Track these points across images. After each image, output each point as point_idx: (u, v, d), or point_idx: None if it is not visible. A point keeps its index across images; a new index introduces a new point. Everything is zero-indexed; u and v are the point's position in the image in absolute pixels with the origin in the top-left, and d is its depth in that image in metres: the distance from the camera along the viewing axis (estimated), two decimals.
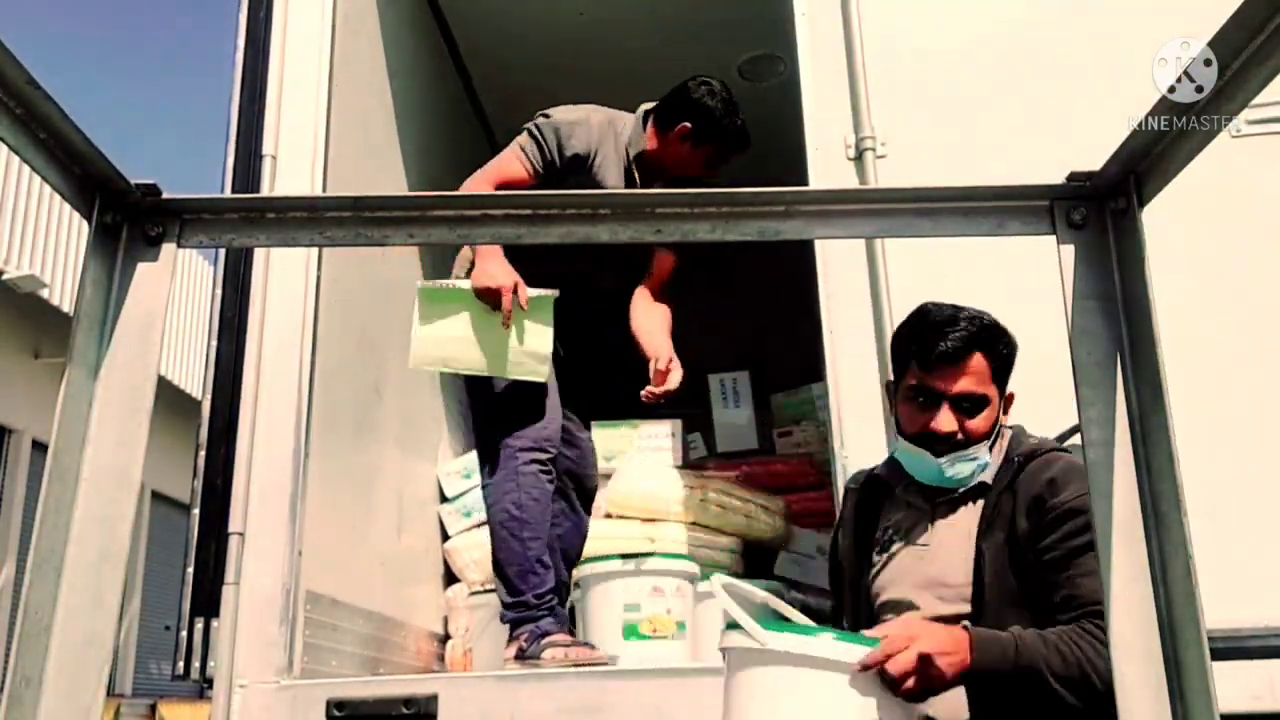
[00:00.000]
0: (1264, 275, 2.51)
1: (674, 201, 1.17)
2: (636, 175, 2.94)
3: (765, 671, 1.48)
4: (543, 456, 2.78)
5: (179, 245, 1.14)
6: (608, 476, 3.48)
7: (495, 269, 2.69)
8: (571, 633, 2.97)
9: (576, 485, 3.04)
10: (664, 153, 2.91)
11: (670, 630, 2.90)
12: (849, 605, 2.00)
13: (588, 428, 3.17)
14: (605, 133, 2.91)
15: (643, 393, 2.78)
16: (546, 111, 2.91)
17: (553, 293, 2.77)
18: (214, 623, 2.36)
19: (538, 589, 2.73)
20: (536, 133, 2.84)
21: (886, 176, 2.61)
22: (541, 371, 2.75)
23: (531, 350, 2.73)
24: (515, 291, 2.67)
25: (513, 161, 2.83)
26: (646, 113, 3.01)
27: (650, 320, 2.98)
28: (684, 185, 2.92)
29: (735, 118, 2.86)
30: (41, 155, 1.03)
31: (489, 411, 2.86)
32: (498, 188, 2.77)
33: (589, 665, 2.51)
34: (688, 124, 2.84)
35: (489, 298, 2.68)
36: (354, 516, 2.94)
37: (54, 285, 9.62)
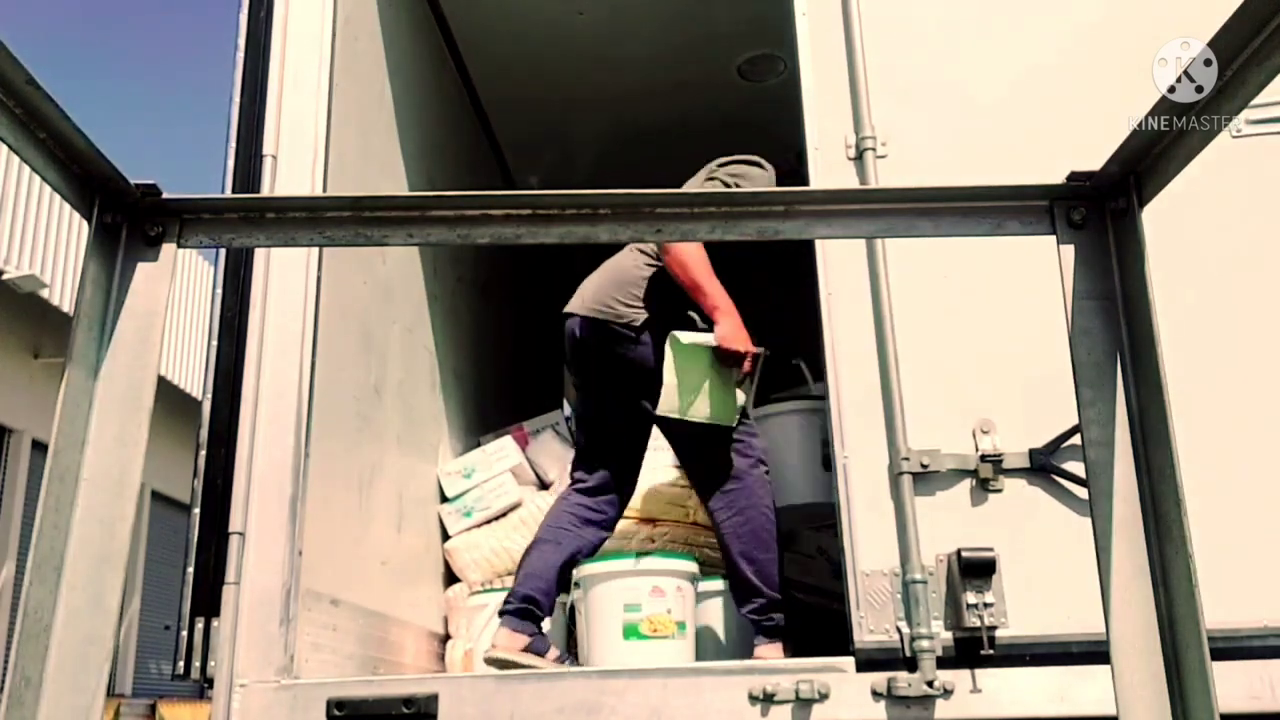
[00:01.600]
0: (1264, 275, 2.51)
1: (674, 202, 1.17)
2: None
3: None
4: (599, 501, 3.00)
5: (179, 245, 1.14)
6: None
7: (740, 330, 2.85)
8: (572, 635, 2.98)
9: None
10: None
11: (670, 630, 2.90)
12: None
13: None
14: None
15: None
16: (739, 172, 2.99)
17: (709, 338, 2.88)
18: (214, 623, 2.36)
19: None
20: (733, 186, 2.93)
21: (886, 176, 2.61)
22: (731, 420, 2.94)
23: (729, 409, 2.93)
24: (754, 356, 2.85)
25: None
26: None
27: None
28: None
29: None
30: (41, 155, 1.03)
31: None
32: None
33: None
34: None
35: (732, 358, 2.84)
36: (354, 516, 2.94)
37: (54, 285, 9.62)
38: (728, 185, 2.94)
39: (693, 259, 2.85)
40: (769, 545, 2.86)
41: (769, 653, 2.78)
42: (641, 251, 3.05)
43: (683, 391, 2.86)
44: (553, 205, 1.17)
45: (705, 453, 2.97)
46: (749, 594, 2.85)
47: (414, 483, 3.52)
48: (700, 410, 2.88)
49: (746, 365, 2.87)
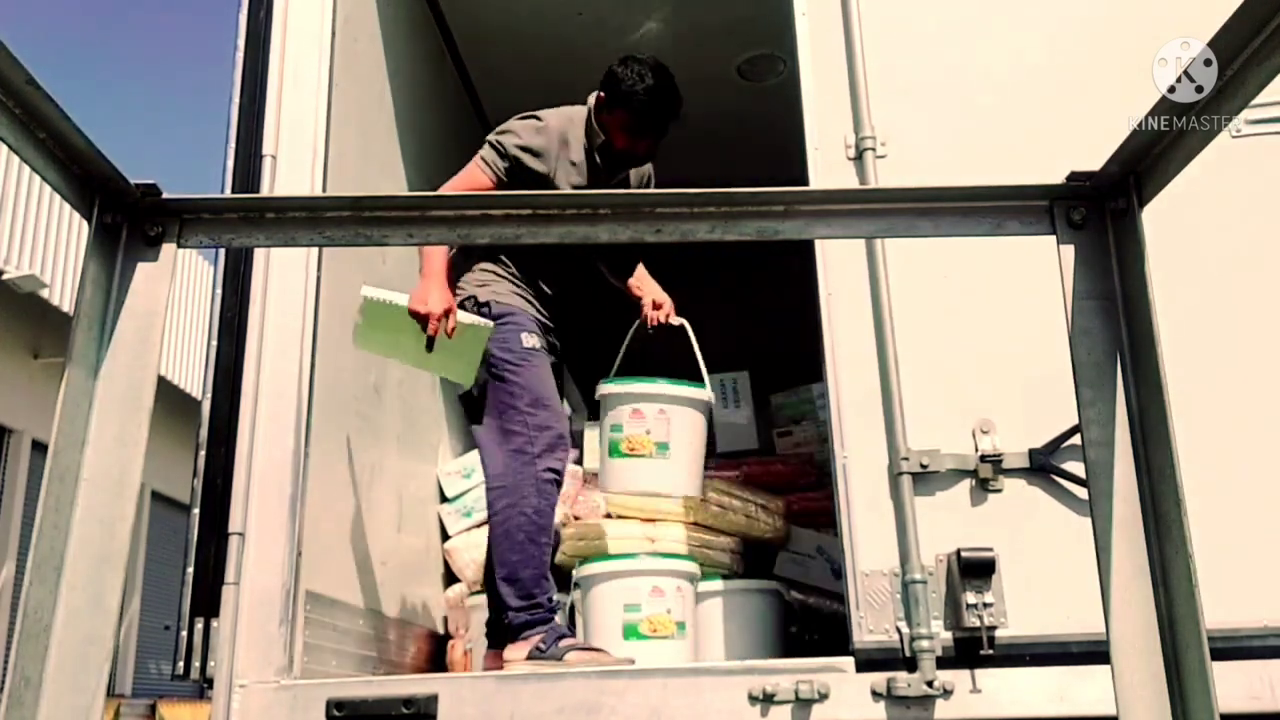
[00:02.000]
0: (1264, 275, 2.51)
1: (674, 201, 1.17)
2: (600, 163, 3.00)
3: None
4: (558, 466, 2.82)
5: (179, 245, 1.14)
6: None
7: (433, 293, 2.74)
8: (571, 633, 2.97)
9: None
10: (604, 130, 2.98)
11: (670, 630, 2.90)
12: None
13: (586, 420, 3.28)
14: (565, 130, 2.96)
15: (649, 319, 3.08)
16: (504, 126, 2.97)
17: (488, 324, 2.83)
18: (214, 623, 2.36)
19: (549, 593, 2.78)
20: (498, 145, 2.91)
21: (886, 176, 2.61)
22: (464, 382, 2.93)
23: (455, 372, 2.92)
24: (445, 318, 2.72)
25: (476, 173, 2.90)
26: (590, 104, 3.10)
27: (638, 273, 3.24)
28: (629, 164, 3.04)
29: (644, 83, 2.88)
30: (41, 155, 1.03)
31: (500, 412, 2.83)
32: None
33: (611, 667, 2.53)
34: (601, 93, 2.93)
35: (420, 321, 2.73)
36: (354, 516, 2.94)
37: (54, 285, 9.62)
38: (493, 145, 2.92)
39: None
40: (522, 546, 2.73)
41: (513, 654, 2.70)
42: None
43: (380, 343, 2.89)
44: (553, 205, 1.17)
45: (482, 448, 2.88)
46: (497, 598, 2.78)
47: (414, 483, 3.52)
48: (401, 357, 2.93)
49: (432, 330, 2.71)
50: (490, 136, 2.95)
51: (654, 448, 3.01)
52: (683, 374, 3.12)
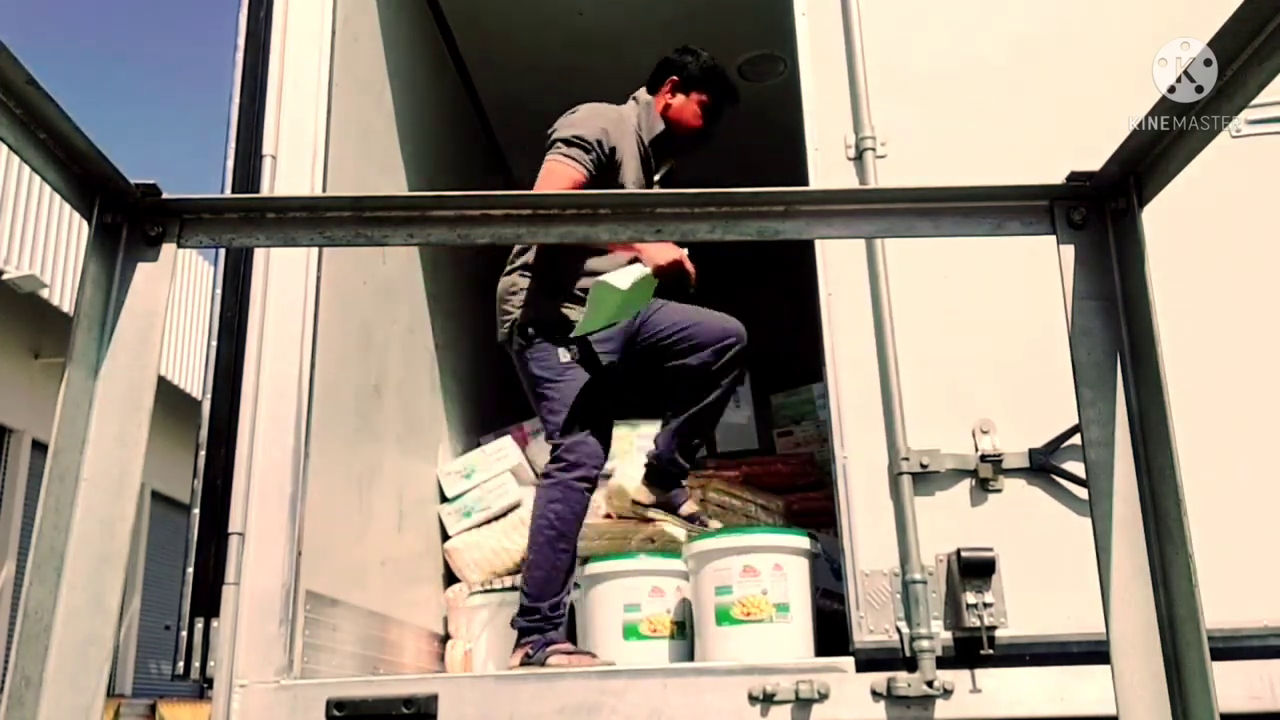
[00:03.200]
0: (1264, 275, 2.51)
1: (674, 201, 1.17)
2: (652, 159, 3.07)
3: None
4: (593, 474, 2.89)
5: (179, 245, 1.14)
6: (607, 476, 3.48)
7: (661, 252, 2.78)
8: (572, 634, 2.97)
9: None
10: (666, 118, 3.05)
11: (670, 630, 2.90)
12: None
13: None
14: (622, 126, 3.02)
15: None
16: (560, 125, 2.96)
17: (644, 270, 2.83)
18: (214, 623, 2.36)
19: (554, 600, 2.79)
20: (578, 140, 2.89)
21: (886, 176, 2.61)
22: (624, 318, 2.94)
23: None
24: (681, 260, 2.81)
25: (569, 171, 2.87)
26: (645, 99, 3.16)
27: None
28: (691, 148, 3.11)
29: (713, 61, 3.05)
30: (41, 155, 1.03)
31: (545, 422, 2.97)
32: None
33: (598, 668, 2.54)
34: (675, 76, 3.03)
35: (674, 269, 2.79)
36: (354, 516, 2.94)
37: (54, 285, 9.62)
38: (571, 140, 2.92)
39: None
40: (540, 547, 2.80)
41: (513, 659, 2.75)
42: (511, 269, 3.06)
43: (601, 314, 2.86)
44: (553, 205, 1.17)
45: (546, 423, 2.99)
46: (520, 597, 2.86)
47: (414, 483, 3.52)
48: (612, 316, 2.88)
49: (690, 267, 2.81)
50: (561, 134, 2.93)
51: (774, 610, 2.67)
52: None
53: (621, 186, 2.94)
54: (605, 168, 2.92)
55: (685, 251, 2.83)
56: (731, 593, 2.67)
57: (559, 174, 2.86)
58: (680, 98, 3.06)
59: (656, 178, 3.16)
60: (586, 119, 2.94)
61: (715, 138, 3.19)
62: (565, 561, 2.81)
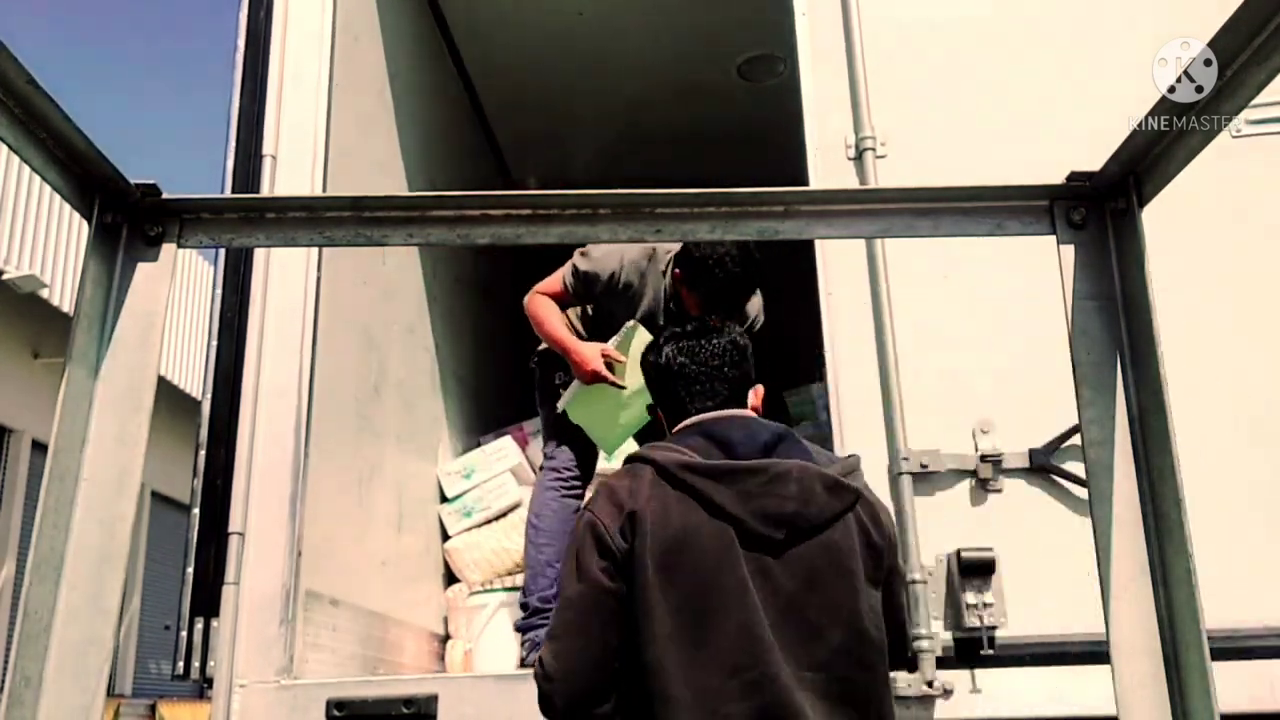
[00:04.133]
0: (1264, 275, 2.51)
1: (674, 201, 1.17)
2: (672, 304, 3.01)
3: None
4: (567, 477, 3.04)
5: (179, 245, 1.14)
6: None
7: (582, 355, 2.87)
8: None
9: None
10: (678, 298, 3.00)
11: None
12: None
13: None
14: (640, 264, 2.99)
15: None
16: (586, 250, 3.00)
17: (632, 324, 2.91)
18: (214, 623, 2.36)
19: (541, 594, 2.86)
20: (576, 270, 2.98)
21: (886, 176, 2.61)
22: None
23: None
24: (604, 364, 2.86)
25: (558, 281, 3.02)
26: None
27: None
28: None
29: (721, 270, 2.71)
30: (41, 155, 1.03)
31: (546, 428, 3.17)
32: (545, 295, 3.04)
33: None
34: (679, 270, 2.87)
35: (599, 379, 2.85)
36: (354, 516, 2.94)
37: (54, 285, 9.61)
38: (575, 269, 2.99)
39: (536, 317, 3.00)
40: (528, 549, 3.00)
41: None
42: None
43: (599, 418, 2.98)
44: (553, 205, 1.17)
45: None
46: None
47: (414, 483, 3.52)
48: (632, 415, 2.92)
49: (602, 376, 2.85)
50: (575, 260, 3.01)
51: None
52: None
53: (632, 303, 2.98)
54: (595, 295, 2.99)
55: (600, 356, 2.84)
56: None
57: (552, 279, 3.05)
58: (684, 289, 2.88)
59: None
60: (597, 256, 2.97)
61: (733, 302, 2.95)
62: (541, 557, 2.92)
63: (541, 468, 3.12)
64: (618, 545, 1.65)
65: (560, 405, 3.00)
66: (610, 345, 2.89)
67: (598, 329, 3.05)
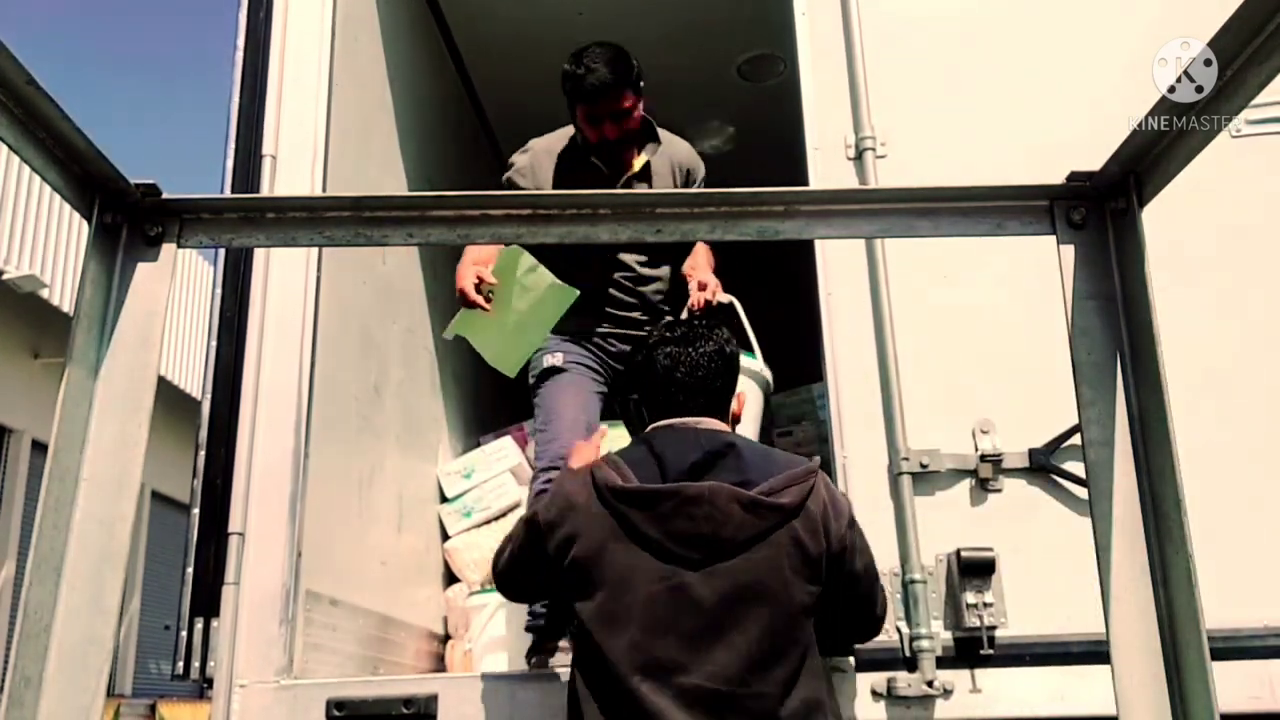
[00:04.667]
0: (1263, 275, 2.51)
1: (674, 201, 1.17)
2: (604, 168, 2.97)
3: None
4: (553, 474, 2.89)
5: (179, 245, 1.14)
6: None
7: (461, 274, 2.77)
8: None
9: None
10: (580, 132, 2.98)
11: None
12: None
13: None
14: (551, 147, 3.00)
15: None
16: (513, 159, 3.04)
17: (560, 286, 2.82)
18: (214, 623, 2.36)
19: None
20: (505, 182, 2.99)
21: (886, 176, 2.61)
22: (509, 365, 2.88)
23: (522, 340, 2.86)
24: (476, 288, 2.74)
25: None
26: None
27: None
28: (614, 157, 2.96)
29: (574, 68, 2.85)
30: (41, 155, 1.03)
31: (535, 423, 3.02)
32: None
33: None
34: (565, 94, 2.92)
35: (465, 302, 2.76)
36: (354, 516, 2.94)
37: (54, 285, 9.61)
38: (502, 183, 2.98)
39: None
40: None
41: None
42: None
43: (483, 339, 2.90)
44: (553, 205, 1.17)
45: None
46: None
47: (414, 483, 3.52)
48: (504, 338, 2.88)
49: (470, 299, 2.75)
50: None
51: None
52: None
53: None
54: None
55: (471, 276, 2.75)
56: None
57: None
58: (578, 113, 2.92)
59: (632, 172, 3.02)
60: (518, 157, 3.02)
61: (632, 133, 2.96)
62: None
63: (534, 464, 3.00)
64: (553, 543, 1.85)
65: (445, 332, 2.90)
66: (488, 269, 2.78)
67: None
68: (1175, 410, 1.07)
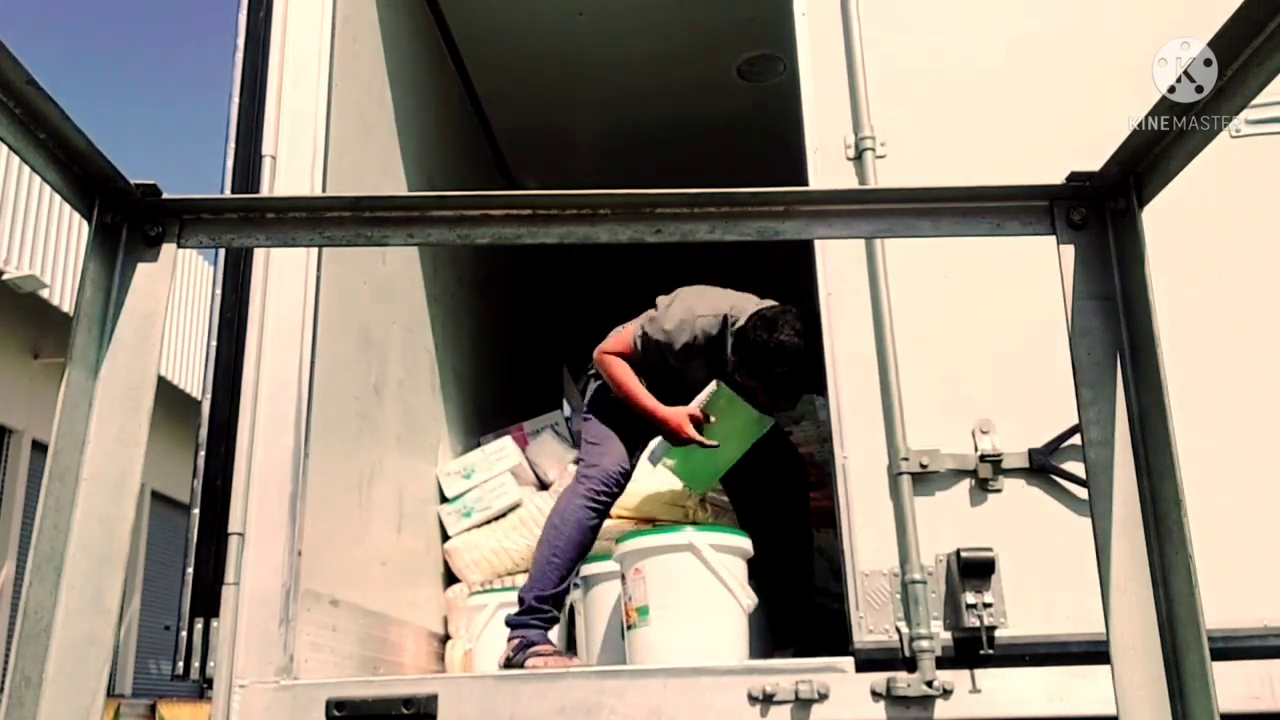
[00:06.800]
0: (1263, 275, 2.51)
1: (674, 202, 1.17)
2: (737, 376, 2.99)
3: None
4: (601, 492, 2.98)
5: (179, 245, 1.14)
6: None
7: (669, 421, 2.93)
8: (572, 634, 2.98)
9: None
10: (742, 387, 3.00)
11: None
12: None
13: None
14: (711, 332, 2.97)
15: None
16: (656, 316, 3.03)
17: (714, 387, 2.96)
18: (214, 623, 2.36)
19: (538, 593, 2.85)
20: (648, 338, 3.00)
21: (886, 176, 2.61)
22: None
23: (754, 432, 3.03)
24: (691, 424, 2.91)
25: (626, 342, 3.05)
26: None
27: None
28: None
29: (778, 362, 2.80)
30: (41, 155, 1.03)
31: (590, 437, 3.12)
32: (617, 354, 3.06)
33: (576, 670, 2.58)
34: (735, 355, 2.90)
35: (687, 441, 2.93)
36: (354, 516, 2.94)
37: (54, 285, 9.62)
38: (645, 333, 3.02)
39: (615, 379, 3.02)
40: (540, 548, 2.94)
41: (502, 654, 2.83)
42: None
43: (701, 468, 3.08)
44: (553, 205, 1.17)
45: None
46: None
47: (414, 483, 3.52)
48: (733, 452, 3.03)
49: (690, 437, 2.92)
50: (646, 322, 3.03)
51: (637, 616, 2.75)
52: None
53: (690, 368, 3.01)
54: (667, 363, 3.01)
55: (688, 421, 2.90)
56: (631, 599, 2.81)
57: (623, 334, 3.07)
58: (743, 375, 2.92)
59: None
60: (668, 324, 2.97)
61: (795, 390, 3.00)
62: (553, 560, 2.88)
63: (578, 475, 3.04)
64: None
65: (650, 461, 3.05)
66: (695, 406, 2.92)
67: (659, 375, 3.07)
68: (1175, 410, 1.07)
